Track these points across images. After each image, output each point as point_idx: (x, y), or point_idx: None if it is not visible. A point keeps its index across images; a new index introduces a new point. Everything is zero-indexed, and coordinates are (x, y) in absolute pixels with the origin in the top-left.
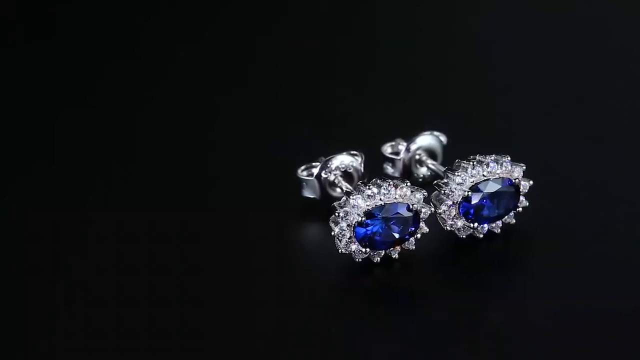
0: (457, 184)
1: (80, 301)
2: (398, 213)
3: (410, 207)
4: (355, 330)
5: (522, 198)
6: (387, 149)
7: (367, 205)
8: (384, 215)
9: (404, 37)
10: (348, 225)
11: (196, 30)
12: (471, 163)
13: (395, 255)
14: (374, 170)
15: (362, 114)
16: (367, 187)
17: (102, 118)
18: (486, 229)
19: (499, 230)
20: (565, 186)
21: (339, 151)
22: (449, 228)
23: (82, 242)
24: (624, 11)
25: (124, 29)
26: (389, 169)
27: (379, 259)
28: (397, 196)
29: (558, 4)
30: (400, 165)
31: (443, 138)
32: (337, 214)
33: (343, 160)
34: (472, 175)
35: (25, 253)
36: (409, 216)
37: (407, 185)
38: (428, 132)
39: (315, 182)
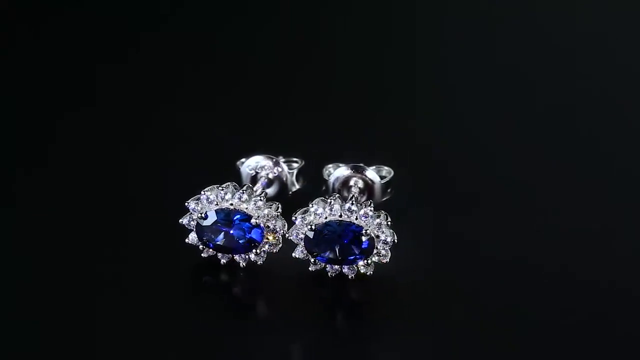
0: (313, 215)
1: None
2: (234, 221)
3: (256, 220)
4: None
5: (383, 251)
6: (328, 170)
7: (216, 205)
8: (220, 220)
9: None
10: (198, 218)
11: (194, 30)
12: (329, 200)
13: (243, 264)
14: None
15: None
16: (220, 188)
17: (102, 118)
18: (336, 269)
19: (353, 276)
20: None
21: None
22: (296, 255)
23: None
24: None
25: (123, 29)
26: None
27: (224, 261)
28: (247, 206)
29: None
30: (329, 186)
31: (389, 174)
32: (187, 204)
33: (258, 161)
34: (327, 211)
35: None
36: (247, 227)
37: (261, 198)
38: (374, 167)
39: (241, 174)
